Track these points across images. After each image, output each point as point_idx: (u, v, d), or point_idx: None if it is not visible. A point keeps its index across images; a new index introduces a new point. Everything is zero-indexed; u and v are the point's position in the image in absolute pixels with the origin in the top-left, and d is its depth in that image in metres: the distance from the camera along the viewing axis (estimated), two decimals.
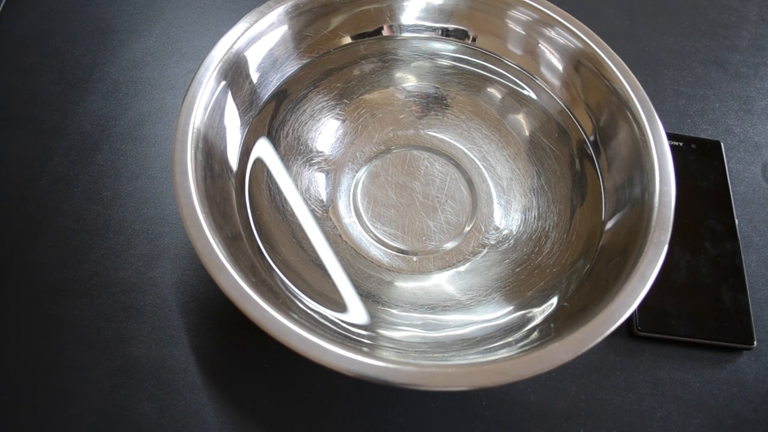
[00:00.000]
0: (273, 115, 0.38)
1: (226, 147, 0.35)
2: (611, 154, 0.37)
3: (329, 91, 0.41)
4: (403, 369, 0.26)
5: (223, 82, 0.35)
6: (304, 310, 0.31)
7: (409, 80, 0.43)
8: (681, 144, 0.45)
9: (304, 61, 0.40)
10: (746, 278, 0.40)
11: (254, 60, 0.37)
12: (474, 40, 0.42)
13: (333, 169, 0.40)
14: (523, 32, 0.40)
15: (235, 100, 0.36)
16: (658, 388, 0.37)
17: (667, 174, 0.34)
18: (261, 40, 0.37)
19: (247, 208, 0.35)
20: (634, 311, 0.37)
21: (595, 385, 0.36)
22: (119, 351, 0.35)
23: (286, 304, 0.30)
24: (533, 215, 0.39)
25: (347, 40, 0.41)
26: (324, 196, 0.39)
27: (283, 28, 0.38)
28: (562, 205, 0.38)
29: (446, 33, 0.42)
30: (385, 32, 0.42)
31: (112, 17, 0.48)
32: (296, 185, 0.38)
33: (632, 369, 0.37)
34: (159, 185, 0.40)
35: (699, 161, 0.44)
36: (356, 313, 0.34)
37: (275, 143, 0.38)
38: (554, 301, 0.34)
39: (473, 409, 0.35)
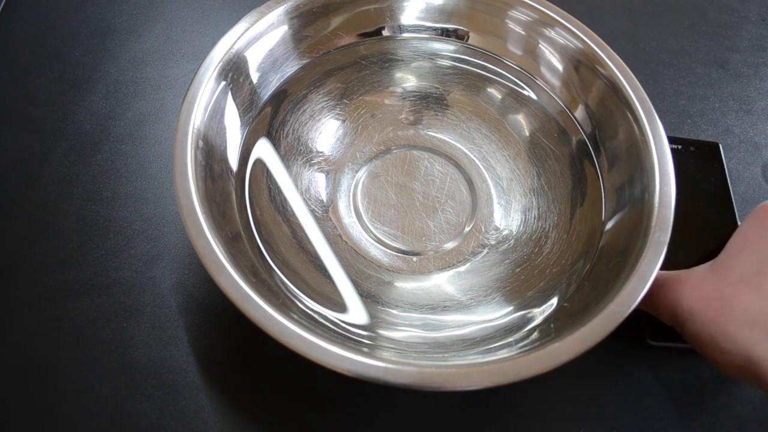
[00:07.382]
0: (273, 115, 0.38)
1: (226, 147, 0.35)
2: (611, 154, 0.37)
3: (329, 92, 0.41)
4: (403, 369, 0.26)
5: (223, 82, 0.35)
6: (304, 311, 0.31)
7: (409, 80, 0.43)
8: (680, 147, 0.45)
9: (304, 62, 0.40)
10: None
11: (254, 60, 0.37)
12: (474, 40, 0.42)
13: (333, 169, 0.40)
14: (523, 32, 0.40)
15: (235, 100, 0.36)
16: (659, 388, 0.37)
17: (667, 174, 0.34)
18: (261, 40, 0.37)
19: (247, 209, 0.35)
20: (643, 322, 0.37)
21: (595, 385, 0.36)
22: (119, 351, 0.35)
23: (286, 305, 0.30)
24: (533, 215, 0.39)
25: (347, 40, 0.41)
26: (324, 197, 0.39)
27: (283, 28, 0.38)
28: (562, 205, 0.38)
29: (446, 33, 0.42)
30: (385, 32, 0.42)
31: (112, 17, 0.48)
32: (296, 185, 0.38)
33: (632, 369, 0.37)
34: (159, 185, 0.40)
35: (698, 164, 0.44)
36: (356, 313, 0.34)
37: (275, 143, 0.38)
38: (554, 301, 0.34)
39: (473, 409, 0.35)
